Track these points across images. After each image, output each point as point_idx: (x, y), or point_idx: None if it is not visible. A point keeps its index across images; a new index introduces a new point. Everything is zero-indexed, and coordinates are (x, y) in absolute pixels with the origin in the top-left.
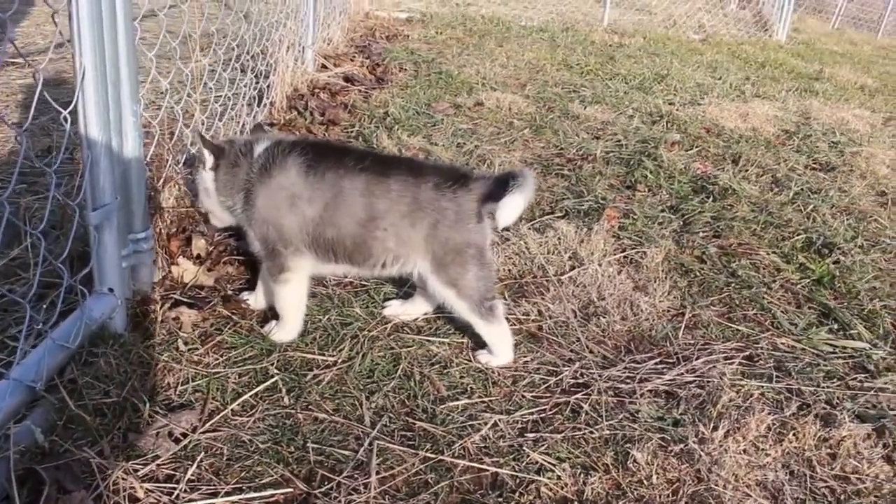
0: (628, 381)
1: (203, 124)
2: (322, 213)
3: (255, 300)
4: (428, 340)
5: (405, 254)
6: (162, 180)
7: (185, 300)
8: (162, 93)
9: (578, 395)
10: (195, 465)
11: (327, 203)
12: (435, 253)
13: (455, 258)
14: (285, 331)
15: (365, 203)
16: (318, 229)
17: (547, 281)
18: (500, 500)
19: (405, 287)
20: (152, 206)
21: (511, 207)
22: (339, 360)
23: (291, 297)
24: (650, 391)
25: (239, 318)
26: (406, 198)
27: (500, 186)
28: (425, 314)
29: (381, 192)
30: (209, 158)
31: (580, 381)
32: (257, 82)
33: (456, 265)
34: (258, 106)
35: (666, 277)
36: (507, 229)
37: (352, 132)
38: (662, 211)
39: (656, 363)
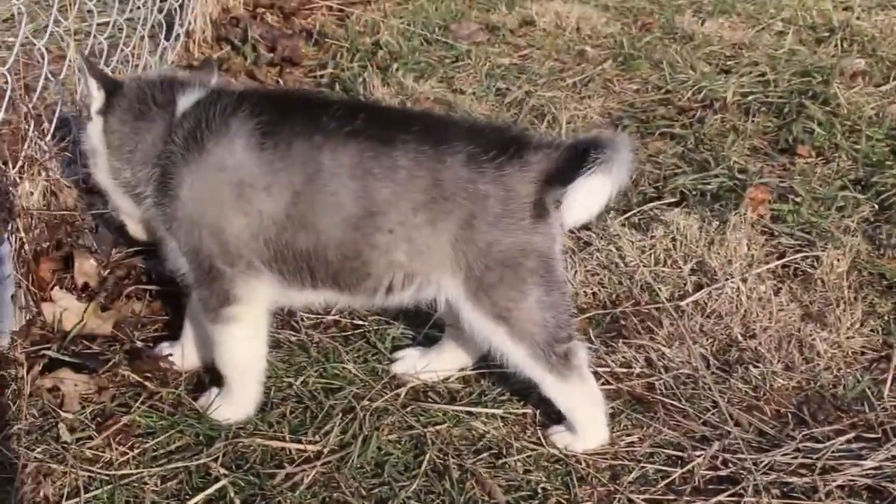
0: (803, 471)
1: (82, 70)
2: (289, 210)
3: (182, 356)
4: (469, 413)
5: (423, 271)
6: (19, 164)
7: (66, 359)
8: (12, 19)
9: (721, 498)
10: None
11: (297, 192)
12: (471, 268)
13: (505, 275)
14: (234, 404)
15: (357, 189)
16: (285, 235)
17: (658, 310)
18: None
19: (427, 326)
20: (5, 206)
21: (587, 195)
22: (326, 450)
23: (242, 347)
24: (842, 487)
25: (157, 387)
26: (422, 179)
27: (573, 160)
28: (461, 370)
29: (383, 170)
30: (97, 94)
31: (722, 472)
32: (163, 0)
33: (507, 286)
34: (167, 39)
35: (856, 298)
36: (586, 227)
37: (322, 77)
38: (843, 188)
39: (849, 440)
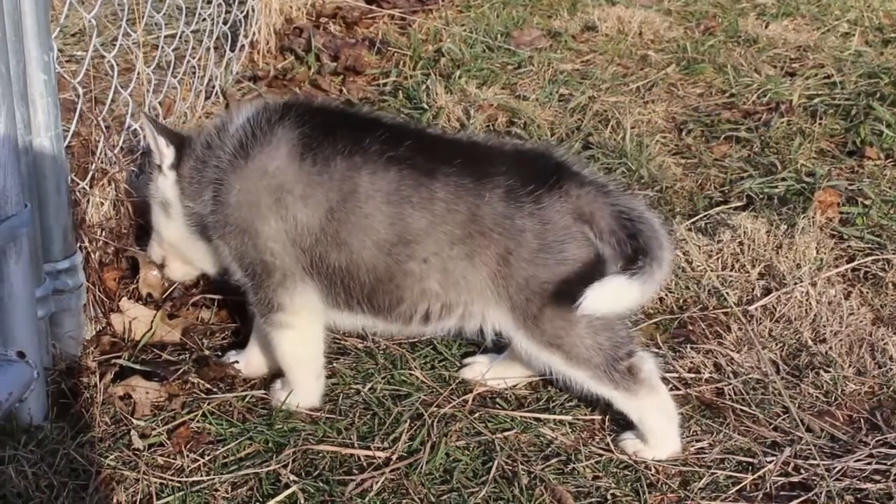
0: (877, 477)
1: (150, 82)
2: (323, 223)
3: (248, 362)
4: (537, 420)
5: (461, 301)
6: (90, 176)
7: (137, 367)
8: (81, 34)
9: None
10: None
11: (331, 208)
12: (513, 300)
13: (545, 307)
14: (299, 392)
15: (392, 215)
16: (319, 249)
17: (726, 315)
18: None
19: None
20: (76, 217)
21: (619, 294)
22: (395, 457)
23: (294, 349)
24: None
25: (225, 392)
26: (458, 214)
27: (622, 226)
28: (530, 377)
29: (421, 200)
30: (167, 151)
31: (794, 478)
32: (228, 11)
33: (553, 317)
34: (231, 49)
35: None
36: None
37: (385, 84)
38: None
39: None
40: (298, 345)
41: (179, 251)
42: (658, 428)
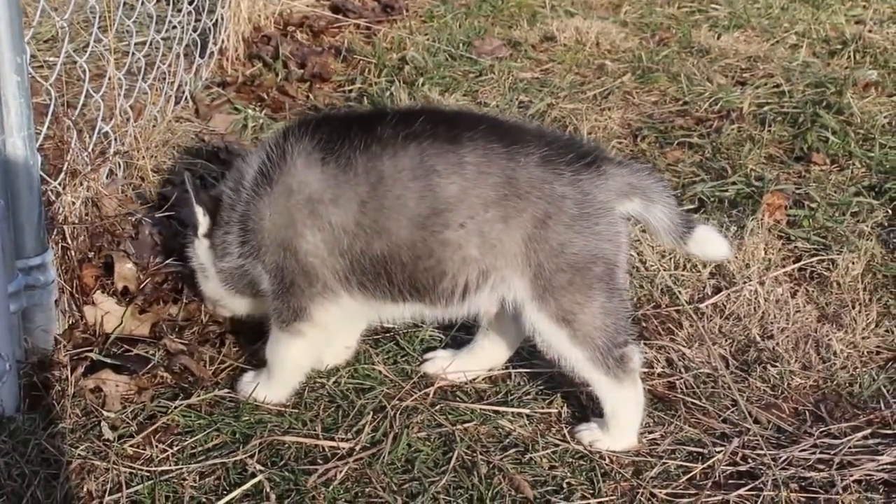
0: (821, 466)
1: (121, 86)
2: (359, 218)
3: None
4: (496, 412)
5: (496, 266)
6: (63, 175)
7: (108, 361)
8: (54, 40)
9: (741, 492)
10: None
11: (363, 201)
12: (541, 267)
13: (573, 279)
14: (273, 388)
15: (421, 188)
16: (359, 244)
17: (678, 312)
18: None
19: (454, 328)
20: (49, 215)
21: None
22: (358, 447)
23: (295, 357)
24: (858, 482)
25: (194, 387)
26: (492, 176)
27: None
28: (490, 370)
29: (448, 167)
30: (203, 220)
31: (742, 468)
32: (198, 19)
33: (574, 290)
34: (201, 56)
35: (871, 300)
36: None
37: (350, 91)
38: (857, 194)
39: (865, 436)
40: (305, 354)
41: (222, 306)
42: (626, 421)
